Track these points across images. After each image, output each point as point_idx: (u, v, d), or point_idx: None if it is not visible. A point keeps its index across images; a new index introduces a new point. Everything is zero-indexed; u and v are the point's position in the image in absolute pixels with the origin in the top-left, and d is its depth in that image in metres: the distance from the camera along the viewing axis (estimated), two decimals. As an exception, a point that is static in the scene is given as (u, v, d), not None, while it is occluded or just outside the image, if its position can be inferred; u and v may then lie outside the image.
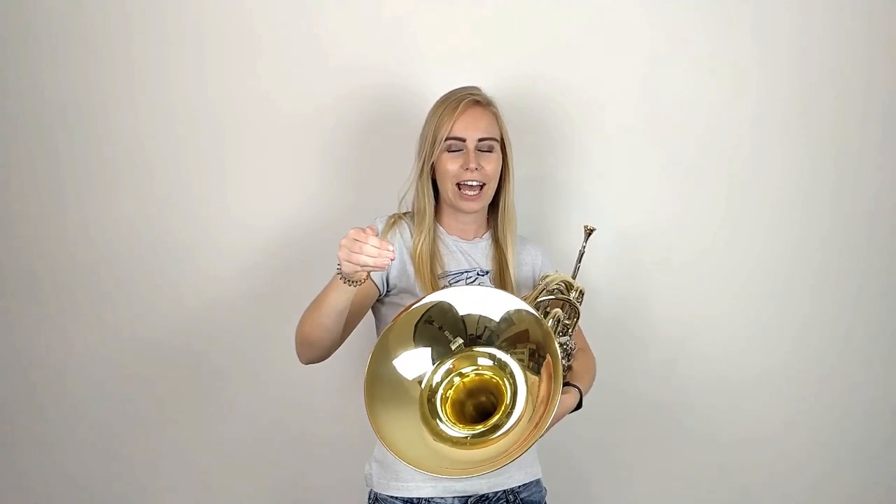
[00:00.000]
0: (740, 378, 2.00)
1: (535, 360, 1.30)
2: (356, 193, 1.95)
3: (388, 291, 1.51)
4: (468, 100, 1.52)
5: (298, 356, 1.45)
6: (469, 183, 1.49)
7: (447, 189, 1.51)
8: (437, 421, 1.31)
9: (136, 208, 1.97)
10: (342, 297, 1.33)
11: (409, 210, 1.59)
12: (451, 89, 1.57)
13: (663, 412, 2.00)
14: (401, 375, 1.32)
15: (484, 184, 1.51)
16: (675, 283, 1.98)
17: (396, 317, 1.32)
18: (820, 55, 1.93)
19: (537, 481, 1.55)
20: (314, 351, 1.42)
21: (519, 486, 1.51)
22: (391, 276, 1.50)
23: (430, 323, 1.32)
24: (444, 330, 1.33)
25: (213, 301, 1.98)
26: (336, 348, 1.44)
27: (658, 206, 1.97)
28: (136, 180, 1.96)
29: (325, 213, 1.94)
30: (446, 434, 1.30)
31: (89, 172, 1.96)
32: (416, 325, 1.32)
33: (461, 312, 1.32)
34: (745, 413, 2.00)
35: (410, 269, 1.50)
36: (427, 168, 1.53)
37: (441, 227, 1.57)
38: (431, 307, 1.32)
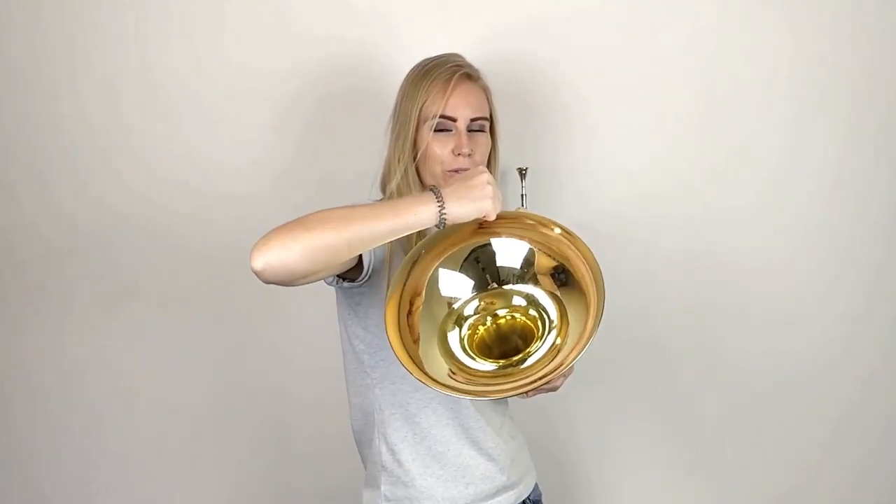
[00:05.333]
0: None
1: (559, 281, 1.26)
2: (320, 172, 1.80)
3: (364, 278, 1.30)
4: (460, 73, 1.35)
5: (266, 265, 1.05)
6: (460, 169, 1.35)
7: (435, 173, 1.35)
8: (458, 353, 1.24)
9: (94, 189, 1.86)
10: (407, 223, 1.11)
11: (383, 195, 1.42)
12: (428, 57, 1.39)
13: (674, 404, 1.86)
14: (437, 285, 1.26)
15: None
16: (690, 280, 1.80)
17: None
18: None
19: (536, 483, 1.53)
20: (300, 265, 1.07)
21: (531, 492, 1.48)
22: (374, 261, 1.29)
23: (477, 261, 1.27)
24: (485, 272, 1.28)
25: (169, 288, 1.88)
26: (308, 280, 1.11)
27: (665, 200, 1.78)
28: (92, 158, 1.85)
29: (284, 192, 1.80)
30: (462, 363, 1.23)
31: (61, 147, 1.85)
32: (467, 255, 1.26)
33: (498, 262, 1.28)
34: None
35: (399, 261, 1.32)
36: (410, 149, 1.35)
37: None
38: (484, 245, 1.26)
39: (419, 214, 1.11)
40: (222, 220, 1.83)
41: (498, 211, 1.16)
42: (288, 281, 1.08)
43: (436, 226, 1.13)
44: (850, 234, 1.78)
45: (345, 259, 1.12)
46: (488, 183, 1.15)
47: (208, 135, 1.82)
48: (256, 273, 1.06)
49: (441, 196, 1.12)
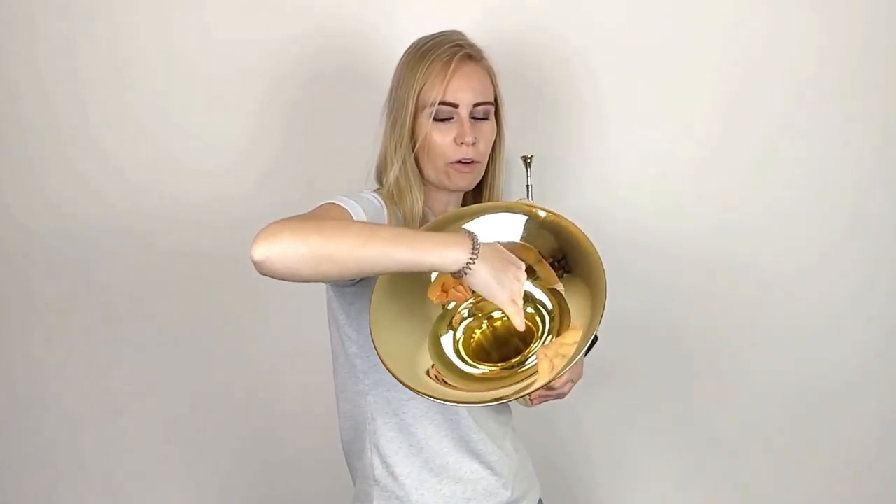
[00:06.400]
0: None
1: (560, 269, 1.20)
2: (308, 163, 1.73)
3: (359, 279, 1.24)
4: (461, 53, 1.27)
5: (267, 258, 0.99)
6: (463, 159, 1.28)
7: (436, 164, 1.28)
8: (453, 359, 1.18)
9: (52, 189, 1.80)
10: (430, 261, 1.03)
11: (379, 186, 1.35)
12: (425, 36, 1.31)
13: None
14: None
15: (478, 161, 1.29)
16: (709, 284, 1.72)
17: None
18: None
19: (540, 499, 1.47)
20: (303, 270, 1.01)
21: None
22: None
23: None
24: None
25: (146, 293, 1.82)
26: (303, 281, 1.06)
27: (684, 195, 1.69)
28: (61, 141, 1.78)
29: (271, 186, 1.73)
30: (457, 367, 1.17)
31: (15, 142, 1.80)
32: None
33: None
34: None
35: None
36: (407, 138, 1.28)
37: (426, 209, 1.34)
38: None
39: (444, 256, 1.03)
40: (201, 218, 1.77)
41: (517, 313, 1.07)
42: (284, 279, 1.03)
43: (453, 273, 1.05)
44: (883, 236, 1.70)
45: (350, 277, 1.06)
46: (518, 280, 1.07)
47: (181, 124, 1.76)
48: (254, 262, 1.01)
49: (478, 250, 1.04)
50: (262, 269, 1.01)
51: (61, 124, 1.78)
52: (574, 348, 1.06)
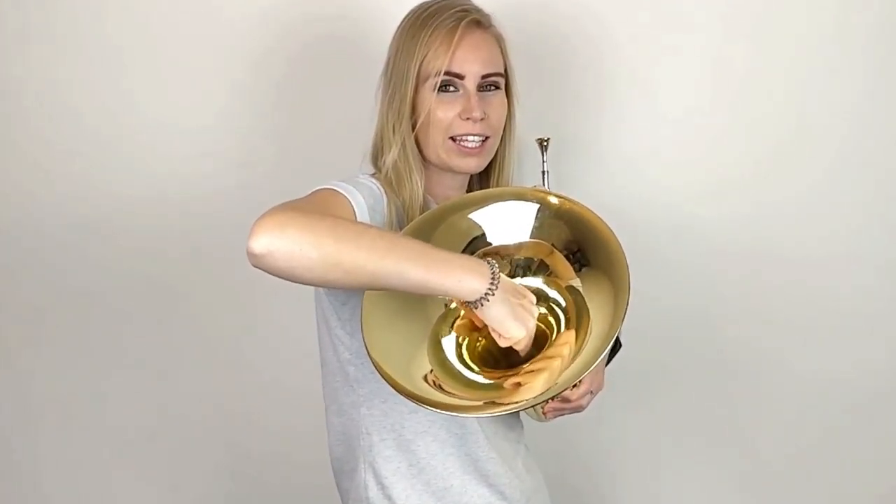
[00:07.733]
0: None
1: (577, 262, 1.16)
2: (295, 145, 1.70)
3: None
4: (468, 19, 1.21)
5: (269, 253, 0.93)
6: (469, 137, 1.22)
7: (436, 142, 1.22)
8: (456, 364, 1.12)
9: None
10: (446, 286, 0.99)
11: (375, 171, 1.28)
12: (426, 1, 1.25)
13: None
14: None
15: (488, 136, 1.23)
16: (740, 278, 1.68)
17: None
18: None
19: None
20: (307, 274, 0.96)
21: None
22: None
23: (474, 253, 1.14)
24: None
25: (108, 291, 1.76)
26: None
27: (713, 178, 1.65)
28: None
29: (255, 172, 1.68)
30: (457, 372, 1.11)
31: None
32: (464, 247, 1.14)
33: (500, 254, 1.17)
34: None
35: None
36: (408, 115, 1.21)
37: (427, 196, 1.28)
38: (482, 235, 1.15)
39: (463, 283, 0.99)
40: (172, 212, 1.72)
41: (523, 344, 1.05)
42: (279, 277, 0.97)
43: (466, 303, 1.01)
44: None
45: (357, 289, 1.04)
46: (532, 315, 1.04)
47: (150, 107, 1.71)
48: (252, 254, 0.94)
49: (497, 282, 1.00)
50: (259, 263, 0.94)
51: (10, 110, 1.72)
52: (566, 348, 1.02)
